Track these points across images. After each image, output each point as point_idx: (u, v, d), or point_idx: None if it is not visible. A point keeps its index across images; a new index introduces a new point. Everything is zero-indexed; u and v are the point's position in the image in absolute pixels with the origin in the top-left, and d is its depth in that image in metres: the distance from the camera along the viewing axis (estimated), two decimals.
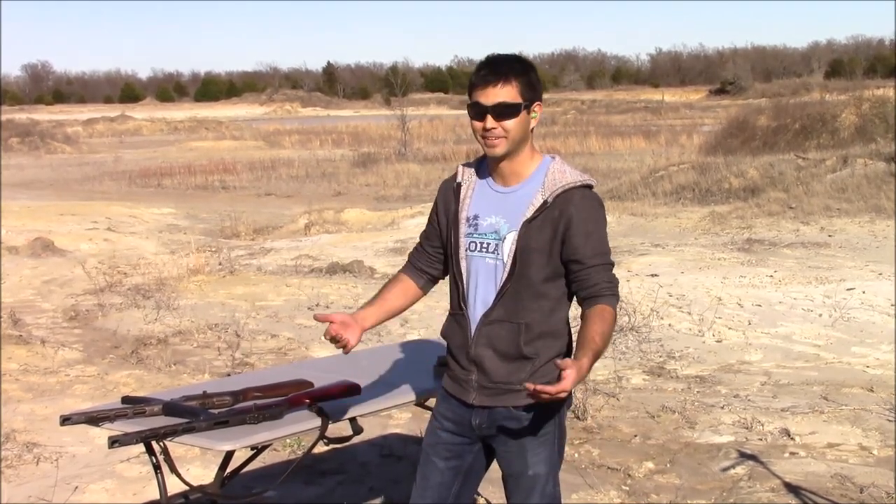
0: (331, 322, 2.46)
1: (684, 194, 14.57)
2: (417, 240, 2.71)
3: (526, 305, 2.43)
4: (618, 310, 2.46)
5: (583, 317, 2.41)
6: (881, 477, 4.30)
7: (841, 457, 4.61)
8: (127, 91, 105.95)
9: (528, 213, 2.41)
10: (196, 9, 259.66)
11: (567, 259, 2.42)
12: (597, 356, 2.32)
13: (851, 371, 6.16)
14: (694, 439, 4.93)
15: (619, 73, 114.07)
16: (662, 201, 14.47)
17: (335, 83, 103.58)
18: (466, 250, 2.48)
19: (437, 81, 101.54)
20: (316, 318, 2.50)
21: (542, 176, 2.45)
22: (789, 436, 4.90)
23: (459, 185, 2.54)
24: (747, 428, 5.02)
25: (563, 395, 2.20)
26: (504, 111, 2.38)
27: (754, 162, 15.44)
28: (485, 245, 2.46)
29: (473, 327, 2.47)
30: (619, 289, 2.47)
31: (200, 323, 7.79)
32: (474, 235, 2.47)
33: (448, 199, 2.56)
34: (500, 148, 2.41)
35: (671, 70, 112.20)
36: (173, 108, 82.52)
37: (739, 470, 4.44)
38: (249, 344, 7.09)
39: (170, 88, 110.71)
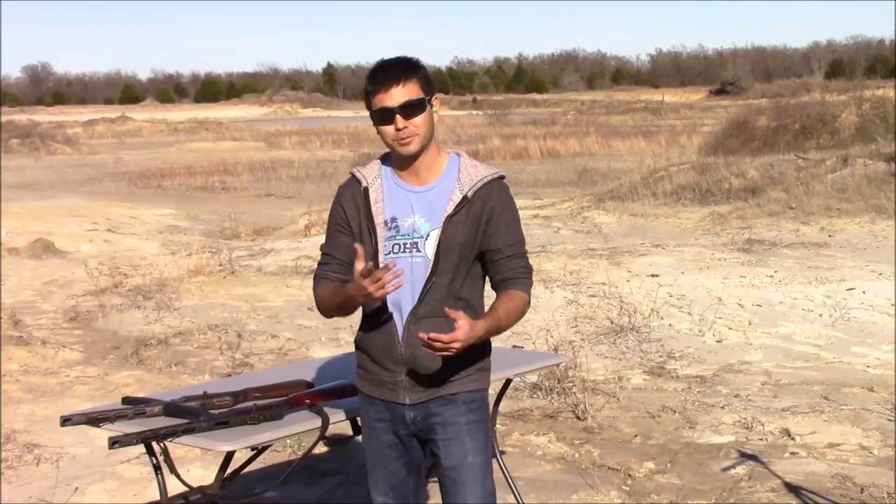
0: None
1: (684, 195, 14.55)
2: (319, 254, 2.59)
3: (451, 297, 2.44)
4: (531, 294, 2.53)
5: (496, 296, 2.49)
6: (881, 477, 4.30)
7: (841, 457, 4.61)
8: (127, 92, 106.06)
9: (450, 209, 2.44)
10: (196, 9, 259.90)
11: (486, 248, 2.48)
12: (495, 326, 2.42)
13: (852, 371, 6.16)
14: (694, 439, 4.93)
15: (618, 74, 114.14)
16: (662, 202, 14.46)
17: (335, 84, 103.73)
18: (388, 254, 2.45)
19: (436, 82, 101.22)
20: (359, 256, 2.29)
21: (455, 172, 2.49)
22: (790, 436, 4.90)
23: (367, 189, 2.50)
24: (748, 428, 5.02)
25: (456, 345, 2.26)
26: (412, 109, 2.39)
27: (754, 162, 15.43)
28: (407, 245, 2.45)
29: (401, 328, 2.44)
30: (534, 275, 2.56)
31: (201, 324, 7.79)
32: (396, 238, 2.45)
33: (356, 205, 2.50)
34: (414, 145, 2.42)
35: (671, 70, 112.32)
36: (173, 109, 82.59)
37: (740, 470, 4.44)
38: (250, 344, 7.09)
39: (170, 90, 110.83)
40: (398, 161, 2.49)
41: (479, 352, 2.51)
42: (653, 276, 9.11)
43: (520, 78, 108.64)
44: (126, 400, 2.96)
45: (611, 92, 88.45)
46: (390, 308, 2.45)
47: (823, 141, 19.34)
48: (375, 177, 2.52)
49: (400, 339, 2.45)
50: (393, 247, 2.45)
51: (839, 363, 6.36)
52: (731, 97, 66.86)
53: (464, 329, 2.27)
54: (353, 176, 2.55)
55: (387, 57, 2.47)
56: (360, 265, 2.26)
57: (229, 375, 5.82)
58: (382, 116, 2.40)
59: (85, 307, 8.64)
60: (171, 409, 2.82)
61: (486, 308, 2.50)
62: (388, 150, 2.50)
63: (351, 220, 2.51)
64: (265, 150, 34.90)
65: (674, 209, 13.89)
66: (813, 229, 11.72)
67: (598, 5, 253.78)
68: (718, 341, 6.94)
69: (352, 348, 2.62)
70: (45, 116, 60.77)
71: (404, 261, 2.43)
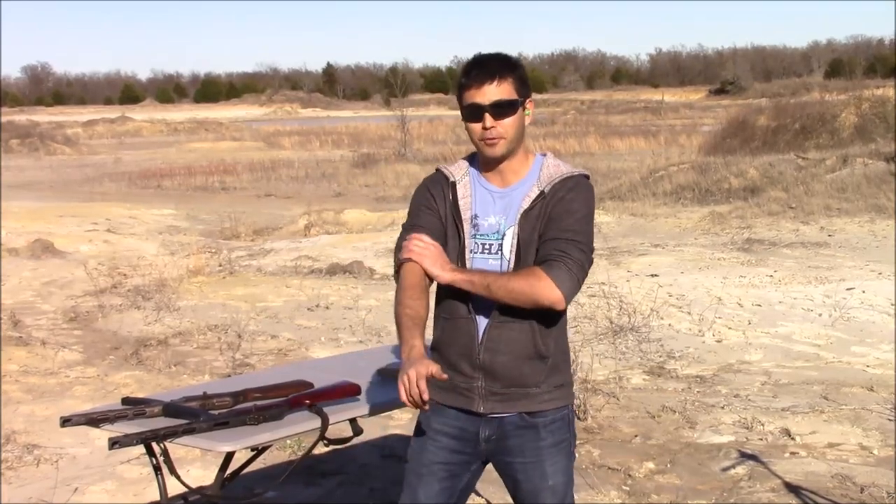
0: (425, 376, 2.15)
1: (684, 194, 14.57)
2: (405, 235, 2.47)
3: None
4: (564, 281, 2.25)
5: None
6: (881, 477, 4.30)
7: (841, 456, 4.61)
8: (127, 92, 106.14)
9: (525, 205, 2.35)
10: (196, 9, 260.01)
11: (542, 234, 2.32)
12: (481, 282, 2.28)
13: (851, 370, 6.16)
14: (694, 439, 4.93)
15: (618, 74, 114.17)
16: (662, 201, 14.47)
17: (335, 84, 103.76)
18: (472, 251, 2.39)
19: (436, 82, 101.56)
20: (434, 376, 2.16)
21: (537, 171, 2.40)
22: (789, 436, 4.90)
23: (454, 183, 2.43)
24: (747, 428, 5.02)
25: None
26: (502, 109, 2.31)
27: (754, 162, 15.45)
28: (487, 246, 2.38)
29: (481, 331, 2.35)
30: (586, 268, 2.31)
31: (200, 324, 7.79)
32: (476, 237, 2.39)
33: (444, 195, 2.43)
34: (500, 147, 2.34)
35: (671, 70, 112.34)
36: (173, 109, 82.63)
37: (740, 470, 4.44)
38: (249, 345, 7.09)
39: (170, 90, 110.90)
40: (484, 162, 2.41)
41: (557, 367, 2.40)
42: (652, 275, 9.12)
43: None
44: (126, 400, 2.95)
45: (611, 92, 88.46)
46: (471, 309, 2.36)
47: (823, 141, 19.36)
48: (464, 174, 2.45)
49: (478, 343, 2.35)
50: (473, 246, 2.39)
51: (839, 363, 6.36)
52: (730, 97, 66.86)
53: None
54: (440, 171, 2.48)
55: (484, 52, 2.38)
56: (433, 369, 2.15)
57: (229, 376, 5.82)
58: (472, 113, 2.33)
59: (84, 307, 8.63)
60: (170, 409, 2.81)
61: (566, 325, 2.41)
62: (474, 150, 2.42)
63: (439, 207, 2.43)
64: (265, 150, 34.90)
65: (673, 209, 13.90)
66: (813, 229, 11.73)
67: (598, 5, 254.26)
68: (718, 341, 6.94)
69: (351, 348, 2.62)
70: (44, 117, 60.82)
71: (484, 262, 2.37)
